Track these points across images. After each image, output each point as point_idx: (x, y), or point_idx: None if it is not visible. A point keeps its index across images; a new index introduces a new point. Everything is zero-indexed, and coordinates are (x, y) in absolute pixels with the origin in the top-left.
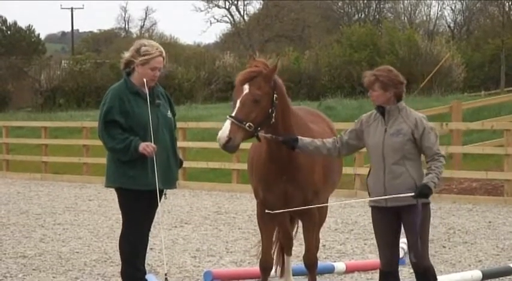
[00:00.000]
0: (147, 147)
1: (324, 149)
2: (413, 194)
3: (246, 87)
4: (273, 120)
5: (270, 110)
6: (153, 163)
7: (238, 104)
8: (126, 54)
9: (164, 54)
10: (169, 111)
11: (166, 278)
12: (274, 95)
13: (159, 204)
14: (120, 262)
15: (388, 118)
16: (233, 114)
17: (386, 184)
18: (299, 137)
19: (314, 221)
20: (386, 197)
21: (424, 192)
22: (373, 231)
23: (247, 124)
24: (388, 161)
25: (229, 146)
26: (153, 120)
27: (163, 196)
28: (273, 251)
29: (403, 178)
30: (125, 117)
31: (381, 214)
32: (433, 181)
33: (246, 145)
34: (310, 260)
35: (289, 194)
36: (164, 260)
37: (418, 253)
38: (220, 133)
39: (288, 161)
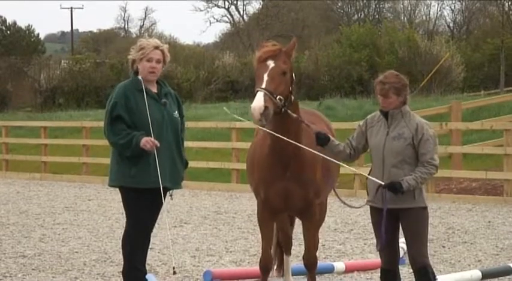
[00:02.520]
0: (147, 142)
1: (344, 154)
2: (383, 183)
3: (271, 62)
4: (293, 98)
5: (290, 88)
6: (155, 161)
7: (266, 78)
8: (129, 56)
9: (163, 47)
10: (176, 111)
11: (174, 271)
12: (293, 74)
13: (163, 202)
14: (120, 262)
15: (391, 121)
16: (263, 87)
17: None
18: (331, 138)
19: (314, 221)
20: (353, 171)
21: (394, 186)
22: (372, 231)
23: (278, 97)
24: (387, 163)
25: (267, 115)
26: (158, 118)
27: (170, 196)
28: (272, 250)
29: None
30: (129, 114)
31: (380, 214)
32: (408, 181)
33: (246, 145)
34: (311, 260)
35: (291, 192)
36: (172, 254)
37: (413, 251)
38: (254, 104)
39: (294, 157)
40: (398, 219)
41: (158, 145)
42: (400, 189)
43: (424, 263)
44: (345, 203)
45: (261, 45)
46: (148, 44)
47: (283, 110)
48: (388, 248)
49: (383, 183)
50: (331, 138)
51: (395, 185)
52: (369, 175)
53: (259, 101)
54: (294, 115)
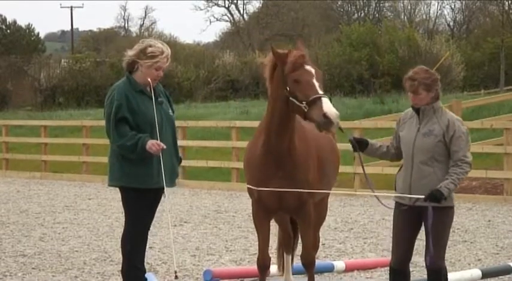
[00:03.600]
0: (152, 145)
1: (389, 154)
2: (423, 196)
3: (310, 68)
4: None
5: None
6: (158, 161)
7: (317, 83)
8: (130, 53)
9: (169, 54)
10: (170, 109)
11: (176, 276)
12: None
13: (166, 201)
14: (120, 261)
15: (422, 117)
16: (322, 92)
17: (412, 183)
18: (369, 140)
19: (309, 221)
20: (390, 195)
21: (435, 196)
22: (372, 230)
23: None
24: (417, 160)
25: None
26: (158, 119)
27: (163, 194)
28: (275, 249)
29: (430, 179)
30: (132, 115)
31: (403, 210)
32: (447, 186)
33: (246, 144)
34: (307, 259)
35: (284, 191)
36: (174, 257)
37: (430, 253)
38: (333, 110)
39: (287, 157)
40: (421, 217)
41: (165, 147)
42: (441, 197)
43: (440, 266)
44: (382, 204)
45: (278, 51)
46: (161, 52)
47: None
48: (402, 246)
49: (423, 196)
50: (370, 141)
51: (436, 194)
52: (398, 171)
53: (331, 107)
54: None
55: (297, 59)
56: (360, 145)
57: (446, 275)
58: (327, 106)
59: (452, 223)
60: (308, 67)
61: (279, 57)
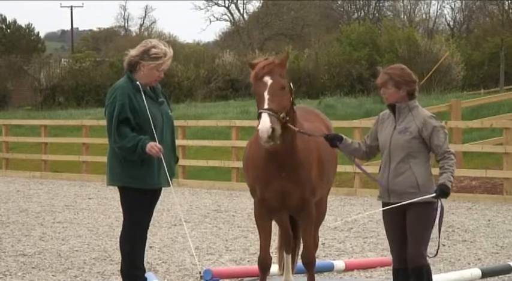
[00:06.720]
0: (152, 148)
1: (359, 152)
2: (434, 195)
3: (268, 79)
4: (295, 107)
5: (291, 98)
6: (159, 162)
7: (266, 96)
8: (133, 53)
9: (172, 55)
10: (169, 109)
11: (201, 276)
12: (290, 83)
13: (176, 200)
14: (120, 260)
15: (398, 116)
16: (266, 107)
17: (389, 181)
18: (343, 136)
19: (311, 220)
20: (404, 203)
21: (444, 191)
22: (372, 229)
23: (281, 115)
24: (394, 158)
25: (274, 137)
26: (159, 119)
27: (167, 194)
28: (275, 248)
29: (405, 176)
30: (134, 115)
31: (389, 210)
32: (449, 179)
33: (245, 143)
34: (308, 258)
35: (287, 191)
36: (196, 257)
37: (409, 251)
38: (261, 127)
39: (289, 157)
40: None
41: (163, 150)
42: (449, 190)
43: (421, 263)
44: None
45: (253, 62)
46: (164, 54)
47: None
48: (396, 245)
49: (433, 195)
50: (344, 137)
51: (445, 189)
52: (379, 171)
53: (265, 123)
54: (296, 129)
55: (257, 72)
56: (334, 139)
57: (430, 272)
58: (261, 122)
59: (433, 220)
60: (266, 78)
61: (251, 69)
